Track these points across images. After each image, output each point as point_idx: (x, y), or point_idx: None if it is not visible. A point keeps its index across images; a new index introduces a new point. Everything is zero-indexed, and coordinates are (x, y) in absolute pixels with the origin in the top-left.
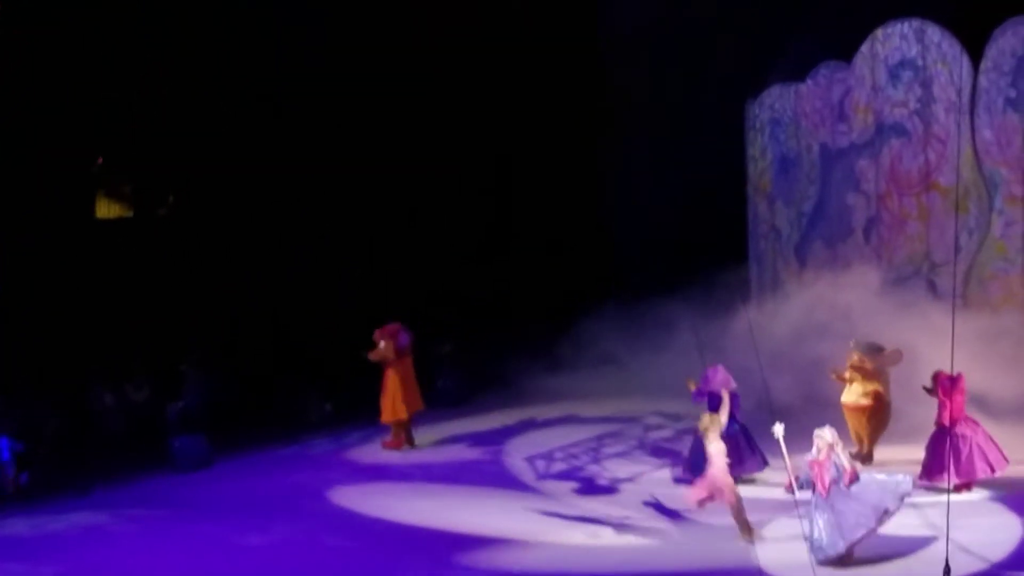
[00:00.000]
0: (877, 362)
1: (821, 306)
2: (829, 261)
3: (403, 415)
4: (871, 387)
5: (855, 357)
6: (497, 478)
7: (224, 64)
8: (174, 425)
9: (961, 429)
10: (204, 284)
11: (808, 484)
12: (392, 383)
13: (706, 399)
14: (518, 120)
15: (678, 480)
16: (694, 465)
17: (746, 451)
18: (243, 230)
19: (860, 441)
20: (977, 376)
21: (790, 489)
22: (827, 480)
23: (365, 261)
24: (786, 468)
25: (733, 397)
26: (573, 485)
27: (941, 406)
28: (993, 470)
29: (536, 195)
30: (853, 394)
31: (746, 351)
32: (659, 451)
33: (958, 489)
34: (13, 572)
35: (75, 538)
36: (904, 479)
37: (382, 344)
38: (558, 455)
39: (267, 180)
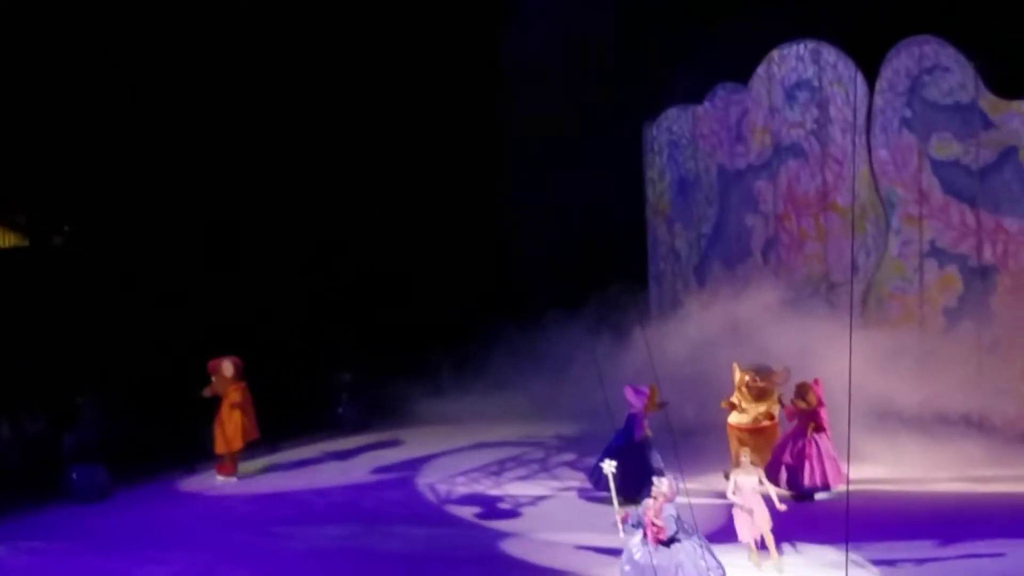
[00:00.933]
0: (768, 382)
1: (720, 326)
2: (728, 282)
3: (238, 445)
4: (764, 408)
5: (745, 378)
6: (398, 504)
7: (115, 91)
8: (71, 456)
9: (819, 437)
10: (100, 314)
11: (639, 525)
12: (225, 413)
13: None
14: (414, 141)
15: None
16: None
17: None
18: (139, 259)
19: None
20: (879, 390)
21: (622, 532)
22: (658, 529)
23: (262, 289)
24: (614, 505)
25: (636, 418)
26: (475, 509)
27: (816, 415)
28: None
29: (434, 218)
30: (746, 416)
31: (645, 372)
32: (561, 474)
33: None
34: None
35: None
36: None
37: (214, 379)
38: (460, 480)
39: (161, 209)
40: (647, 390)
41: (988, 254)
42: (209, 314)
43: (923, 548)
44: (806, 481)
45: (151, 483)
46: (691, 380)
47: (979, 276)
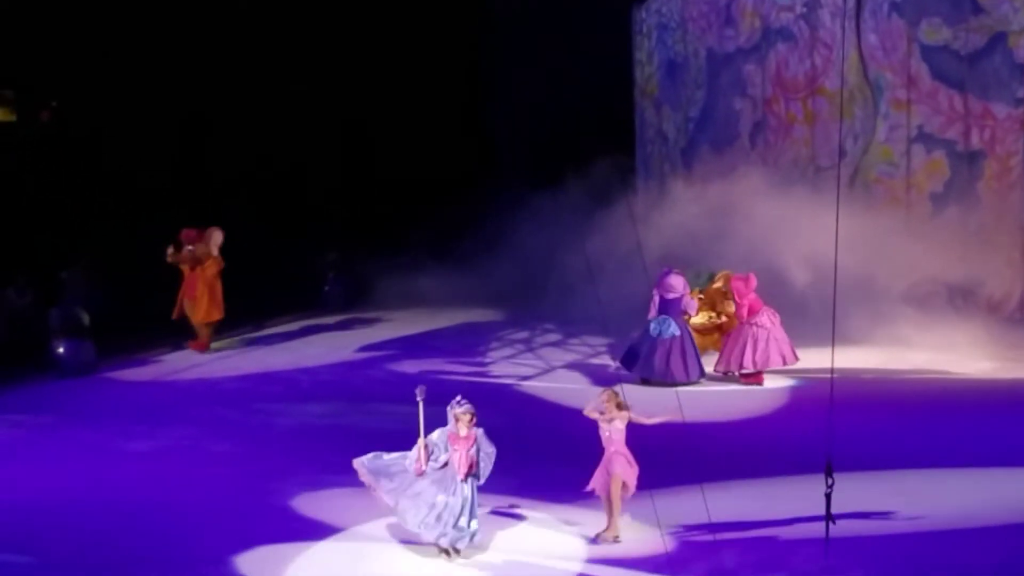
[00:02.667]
0: (711, 290)
1: (707, 209)
2: (716, 165)
3: (217, 317)
4: (714, 312)
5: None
6: (383, 382)
7: None
8: (56, 329)
9: (760, 321)
10: (86, 188)
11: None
12: (204, 284)
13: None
14: (400, 15)
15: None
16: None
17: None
18: (126, 134)
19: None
20: (864, 273)
21: (421, 470)
22: (467, 460)
23: (247, 167)
24: (419, 437)
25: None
26: (459, 388)
27: (738, 305)
28: (785, 362)
29: (417, 96)
30: (700, 319)
31: (632, 254)
32: (546, 354)
33: (748, 379)
34: None
35: None
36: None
37: (193, 247)
38: (443, 359)
39: (149, 85)
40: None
41: (975, 139)
42: (193, 188)
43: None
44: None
45: (137, 358)
46: (678, 263)
47: (966, 161)
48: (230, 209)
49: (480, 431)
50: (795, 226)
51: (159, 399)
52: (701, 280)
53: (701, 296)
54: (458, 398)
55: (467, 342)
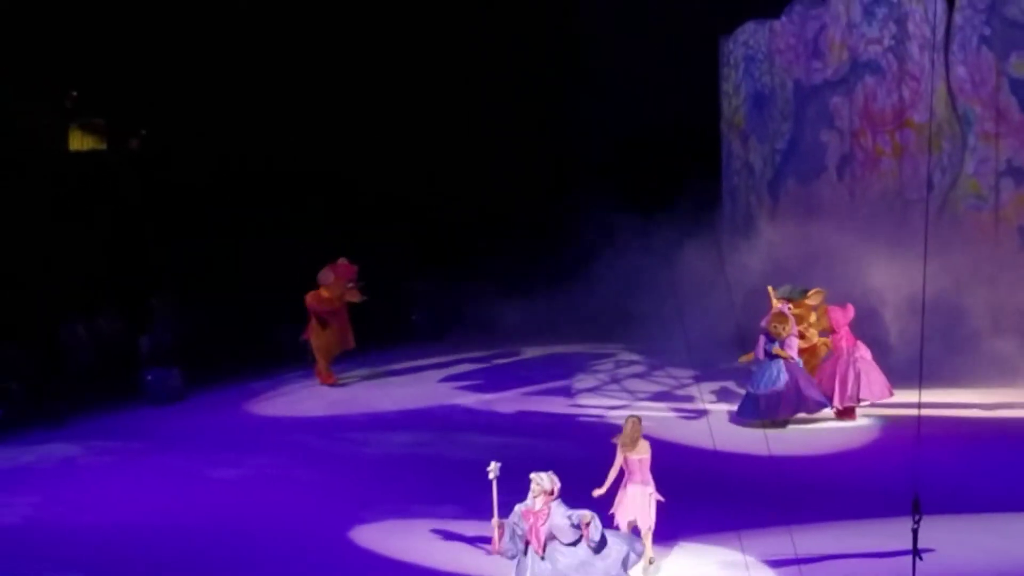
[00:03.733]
0: (802, 307)
1: (793, 242)
2: (802, 198)
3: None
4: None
5: (779, 304)
6: (470, 412)
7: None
8: (146, 358)
9: (861, 355)
10: (177, 217)
11: (521, 538)
12: (342, 319)
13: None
14: (489, 51)
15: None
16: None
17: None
18: (214, 163)
19: None
20: (952, 307)
21: (496, 549)
22: (543, 535)
23: (336, 194)
24: (493, 516)
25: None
26: (547, 419)
27: (835, 336)
28: (882, 396)
29: (503, 126)
30: None
31: (717, 286)
32: (631, 385)
33: (843, 415)
34: None
35: (49, 470)
36: (636, 545)
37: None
38: (531, 389)
39: (237, 115)
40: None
41: None
42: (282, 219)
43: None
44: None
45: (225, 386)
46: (763, 294)
47: None
48: (319, 238)
49: (556, 505)
50: (882, 260)
51: (246, 427)
52: (795, 293)
53: (790, 306)
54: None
55: (551, 373)
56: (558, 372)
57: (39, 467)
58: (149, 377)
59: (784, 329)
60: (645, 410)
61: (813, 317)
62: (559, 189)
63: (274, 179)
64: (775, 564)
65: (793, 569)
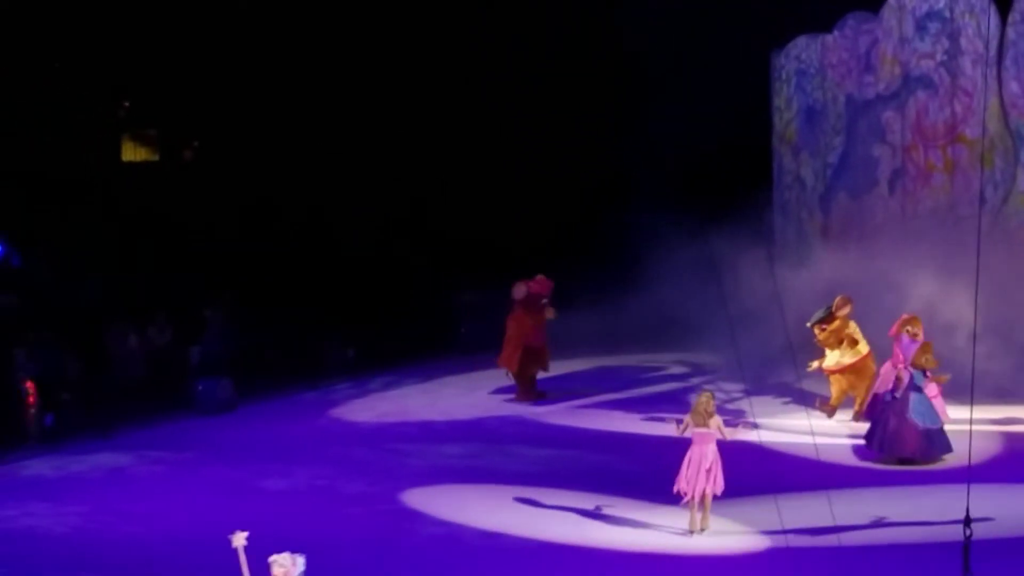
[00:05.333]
0: (831, 325)
1: (846, 258)
2: (854, 213)
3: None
4: (844, 346)
5: (815, 332)
6: (519, 424)
7: (248, 9)
8: (197, 368)
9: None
10: (228, 228)
11: None
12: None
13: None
14: (542, 64)
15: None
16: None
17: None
18: (266, 175)
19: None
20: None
21: None
22: None
23: (388, 206)
24: None
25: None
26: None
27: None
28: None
29: (554, 136)
30: (832, 360)
31: (770, 301)
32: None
33: None
34: (37, 512)
35: (98, 480)
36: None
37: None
38: (581, 402)
39: (291, 126)
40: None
41: None
42: (331, 233)
43: None
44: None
45: (275, 396)
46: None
47: None
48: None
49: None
50: (934, 276)
51: (296, 438)
52: (823, 313)
53: (824, 328)
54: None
55: (600, 385)
56: (609, 384)
57: (88, 476)
58: (200, 387)
59: (929, 360)
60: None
61: (852, 327)
62: (612, 202)
63: (324, 189)
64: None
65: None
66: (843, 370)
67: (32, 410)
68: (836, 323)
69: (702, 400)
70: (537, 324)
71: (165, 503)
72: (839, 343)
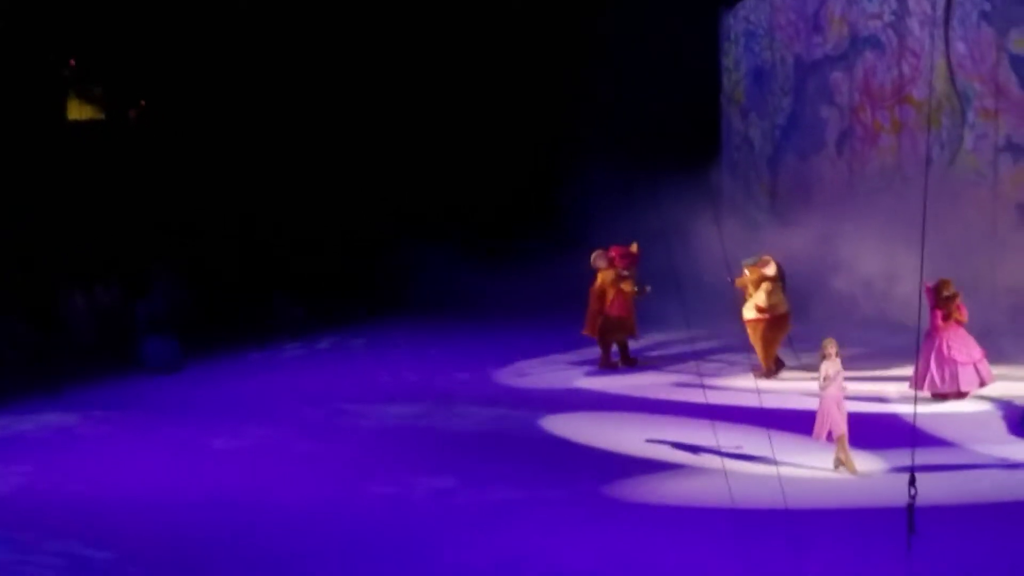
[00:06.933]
0: (754, 273)
1: (792, 218)
2: (802, 174)
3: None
4: (761, 296)
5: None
6: (468, 384)
7: None
8: (143, 327)
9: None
10: (175, 187)
11: None
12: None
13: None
14: (493, 27)
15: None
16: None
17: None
18: (213, 132)
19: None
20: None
21: None
22: None
23: (341, 163)
24: None
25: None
26: (545, 394)
27: (933, 315)
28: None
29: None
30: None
31: (716, 261)
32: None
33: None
34: None
35: (45, 439)
36: None
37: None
38: (529, 364)
39: (238, 83)
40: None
41: None
42: (277, 188)
43: None
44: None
45: (223, 356)
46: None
47: None
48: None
49: None
50: (881, 237)
51: (243, 397)
52: (751, 260)
53: (745, 273)
54: None
55: (550, 346)
56: (556, 345)
57: (35, 436)
58: (146, 346)
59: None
60: (638, 382)
61: (765, 286)
62: (563, 164)
63: (274, 146)
64: None
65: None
66: (745, 321)
67: None
68: (752, 275)
69: (827, 344)
70: (618, 294)
71: (113, 463)
72: (749, 295)
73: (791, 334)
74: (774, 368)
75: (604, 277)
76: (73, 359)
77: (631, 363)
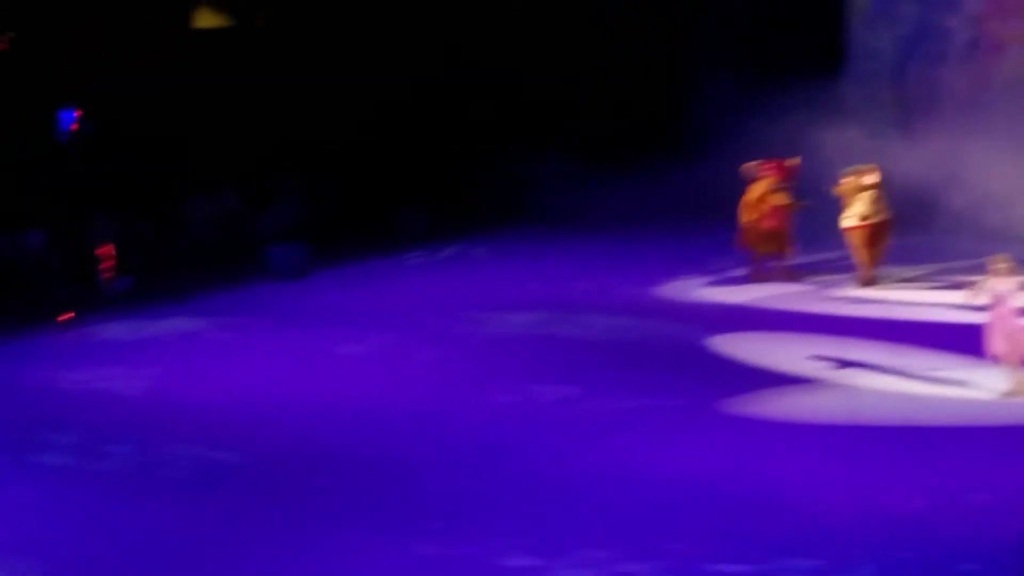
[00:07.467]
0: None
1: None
2: (926, 84)
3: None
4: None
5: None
6: (591, 294)
7: None
8: (270, 234)
9: None
10: (302, 94)
11: None
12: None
13: None
14: None
15: None
16: None
17: None
18: (341, 39)
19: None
20: None
21: None
22: None
23: (460, 72)
24: None
25: None
26: (672, 304)
27: None
28: None
29: (630, 13)
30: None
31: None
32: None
33: None
34: (113, 375)
35: (173, 343)
36: None
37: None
38: (657, 274)
39: None
40: None
41: None
42: (399, 99)
43: None
44: None
45: (347, 264)
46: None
47: None
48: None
49: None
50: (1006, 148)
51: (367, 305)
52: (854, 168)
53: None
54: None
55: (667, 257)
56: (673, 257)
57: (162, 340)
58: (272, 253)
59: None
60: (752, 291)
61: (865, 196)
62: (683, 77)
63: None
64: None
65: None
66: (844, 229)
67: (108, 274)
68: (852, 184)
69: (996, 260)
70: (772, 207)
71: (238, 367)
72: (848, 204)
73: (909, 245)
74: (874, 277)
75: (758, 189)
76: (200, 265)
77: (784, 276)
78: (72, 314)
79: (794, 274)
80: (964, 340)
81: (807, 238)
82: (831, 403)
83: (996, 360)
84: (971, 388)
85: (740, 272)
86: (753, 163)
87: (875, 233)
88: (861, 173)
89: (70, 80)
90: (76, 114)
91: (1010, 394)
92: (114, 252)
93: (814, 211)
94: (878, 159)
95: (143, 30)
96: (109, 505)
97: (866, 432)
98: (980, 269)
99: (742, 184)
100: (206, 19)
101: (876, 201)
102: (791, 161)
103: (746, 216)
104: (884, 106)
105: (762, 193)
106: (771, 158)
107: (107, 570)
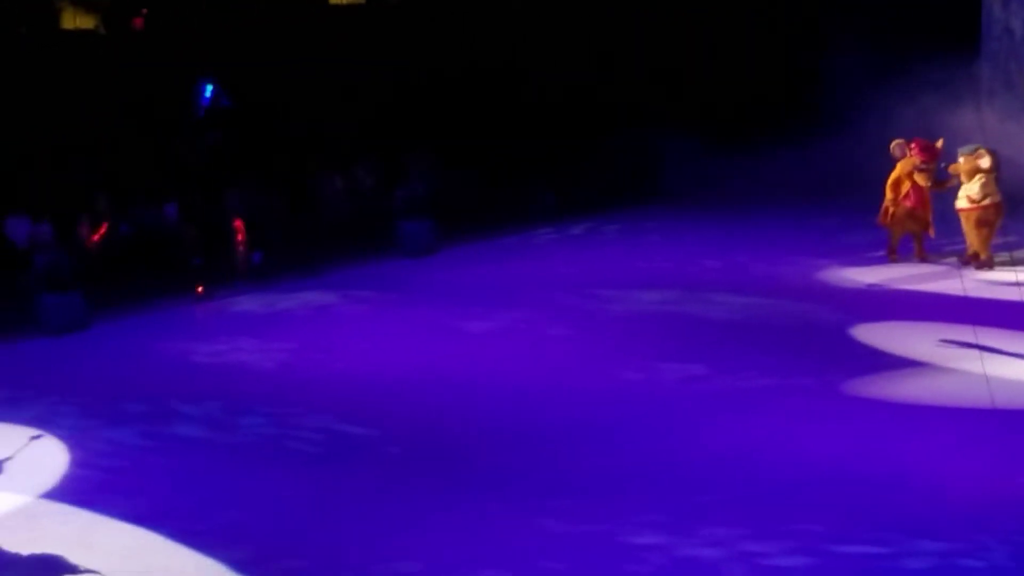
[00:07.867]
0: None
1: None
2: None
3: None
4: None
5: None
6: (720, 272)
7: None
8: (401, 210)
9: None
10: (431, 71)
11: None
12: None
13: None
14: None
15: None
16: None
17: None
18: (470, 20)
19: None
20: None
21: None
22: None
23: (597, 52)
24: None
25: None
26: (800, 284)
27: None
28: None
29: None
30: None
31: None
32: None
33: None
34: (246, 348)
35: (305, 317)
36: None
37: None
38: (784, 253)
39: None
40: None
41: None
42: (530, 77)
43: None
44: None
45: (476, 240)
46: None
47: None
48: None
49: None
50: None
51: (497, 281)
52: (969, 148)
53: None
54: None
55: (800, 235)
56: (806, 235)
57: (295, 314)
58: (403, 229)
59: None
60: (895, 275)
61: (979, 178)
62: (815, 55)
63: (519, 30)
64: None
65: None
66: (957, 210)
67: (241, 248)
68: (966, 165)
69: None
70: (914, 186)
71: (370, 341)
72: (961, 184)
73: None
74: (990, 259)
75: (902, 168)
76: (332, 240)
77: (924, 258)
78: (206, 287)
79: (931, 255)
80: None
81: (944, 220)
82: (963, 387)
83: None
84: None
85: (877, 252)
86: (900, 141)
87: (985, 215)
88: (978, 155)
89: (206, 55)
90: (214, 88)
91: None
92: (247, 226)
93: (952, 192)
94: (1009, 143)
95: (280, 5)
96: (243, 477)
97: (1000, 416)
98: None
99: (876, 162)
100: None
101: (988, 184)
102: (938, 142)
103: (890, 195)
104: (1019, 86)
105: (907, 172)
106: (917, 138)
107: (241, 540)
